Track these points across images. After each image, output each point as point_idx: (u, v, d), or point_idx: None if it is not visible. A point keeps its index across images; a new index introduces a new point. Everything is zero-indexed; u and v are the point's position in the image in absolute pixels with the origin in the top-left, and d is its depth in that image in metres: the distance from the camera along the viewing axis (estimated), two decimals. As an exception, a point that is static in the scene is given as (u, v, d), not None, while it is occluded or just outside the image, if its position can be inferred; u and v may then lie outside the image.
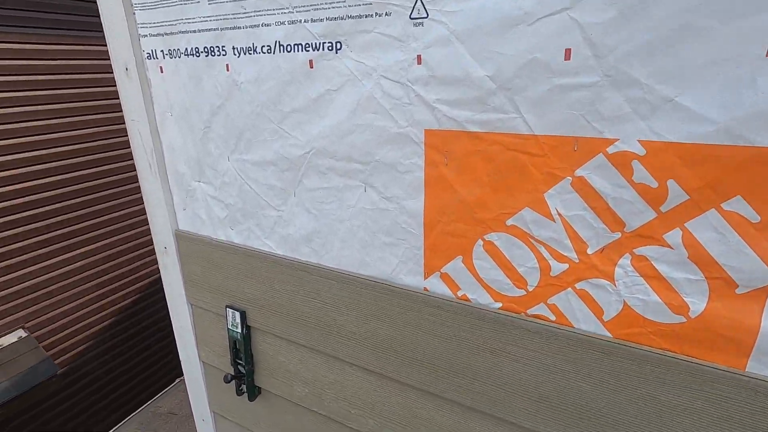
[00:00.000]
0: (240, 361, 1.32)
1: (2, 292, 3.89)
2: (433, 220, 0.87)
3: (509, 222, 0.79)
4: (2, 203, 3.77)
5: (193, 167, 1.21)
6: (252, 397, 1.36)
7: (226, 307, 1.29)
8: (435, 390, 0.99)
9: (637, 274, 0.70)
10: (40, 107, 3.97)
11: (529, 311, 0.83)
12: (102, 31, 1.19)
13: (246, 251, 1.19)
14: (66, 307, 4.38)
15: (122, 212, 4.76)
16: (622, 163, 0.66)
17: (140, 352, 5.19)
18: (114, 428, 3.22)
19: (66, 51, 4.07)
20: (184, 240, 1.33)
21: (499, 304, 0.85)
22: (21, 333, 4.07)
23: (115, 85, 1.25)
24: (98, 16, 1.18)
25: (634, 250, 0.70)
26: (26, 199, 3.94)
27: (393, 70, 0.81)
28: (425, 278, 0.93)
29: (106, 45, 1.21)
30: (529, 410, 0.87)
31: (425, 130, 0.82)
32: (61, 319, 4.35)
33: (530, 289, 0.81)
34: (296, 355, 1.22)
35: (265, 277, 1.18)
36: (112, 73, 1.22)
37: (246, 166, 1.10)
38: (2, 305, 3.91)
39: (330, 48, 0.86)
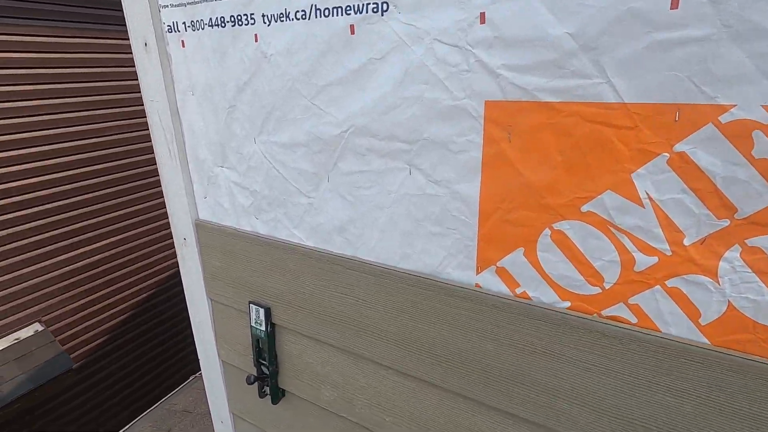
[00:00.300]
0: (263, 362, 1.23)
1: (19, 285, 3.88)
2: (490, 207, 0.76)
3: (585, 208, 0.68)
4: (18, 197, 3.76)
5: (216, 151, 1.12)
6: (275, 399, 1.27)
7: (249, 303, 1.19)
8: (485, 399, 0.88)
9: (749, 270, 0.59)
10: (67, 100, 3.95)
11: (604, 312, 0.71)
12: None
13: (272, 242, 1.10)
14: (82, 301, 4.36)
15: (140, 206, 4.73)
16: (738, 134, 0.55)
17: (156, 346, 5.17)
18: (128, 426, 3.17)
19: (84, 44, 4.04)
20: (204, 230, 1.24)
21: (567, 304, 0.74)
22: (37, 327, 4.06)
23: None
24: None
25: (745, 241, 0.58)
26: (43, 192, 3.92)
27: (449, 32, 0.70)
28: (477, 273, 0.82)
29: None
30: (600, 428, 0.75)
31: (486, 101, 0.71)
32: (77, 313, 4.34)
33: (607, 286, 0.70)
34: (325, 355, 1.13)
35: (293, 270, 1.08)
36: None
37: (274, 149, 1.00)
38: (19, 299, 3.90)
39: (375, 9, 0.76)
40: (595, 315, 0.72)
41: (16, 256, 3.80)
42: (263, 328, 1.18)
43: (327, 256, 1.01)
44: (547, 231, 0.72)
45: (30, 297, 3.96)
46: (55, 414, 4.30)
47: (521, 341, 0.80)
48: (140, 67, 1.14)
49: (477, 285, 0.83)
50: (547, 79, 0.65)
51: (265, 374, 1.24)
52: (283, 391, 1.27)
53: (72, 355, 4.26)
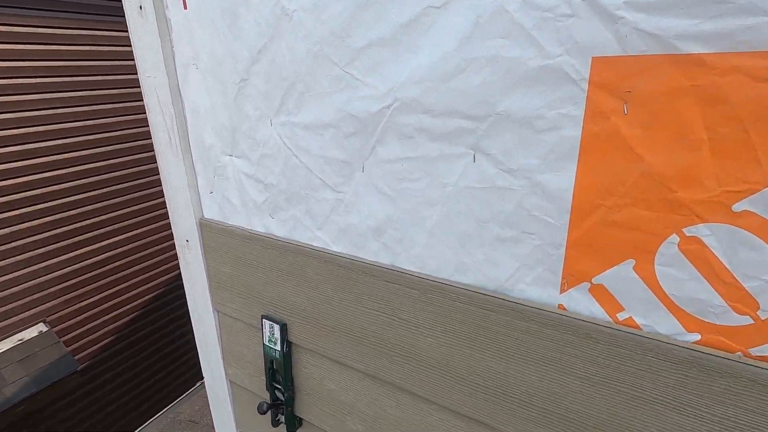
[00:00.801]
0: (278, 386, 1.05)
1: (23, 285, 3.76)
2: (589, 204, 0.57)
3: (739, 206, 0.48)
4: (21, 194, 3.62)
5: (224, 137, 0.94)
6: (291, 429, 1.08)
7: (262, 317, 1.01)
8: (562, 450, 0.68)
9: None
10: (71, 94, 3.81)
11: (753, 351, 0.52)
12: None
13: (290, 246, 0.91)
14: (87, 302, 4.24)
15: (147, 203, 4.60)
16: None
17: (163, 347, 5.04)
18: (132, 434, 3.01)
19: (90, 36, 3.90)
20: (210, 231, 1.06)
21: (697, 336, 0.55)
22: (42, 327, 3.94)
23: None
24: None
25: None
26: (47, 189, 3.79)
27: (545, -39, 0.51)
28: (562, 291, 0.63)
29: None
30: (736, 502, 0.56)
31: (593, 58, 0.51)
32: (83, 313, 4.21)
33: (763, 316, 0.50)
34: (351, 383, 0.94)
35: (315, 280, 0.90)
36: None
37: (295, 132, 0.81)
38: (23, 298, 3.77)
39: (435, -61, 0.57)
40: (738, 354, 0.53)
41: (18, 255, 3.67)
42: (278, 347, 0.99)
43: (358, 264, 0.82)
44: (674, 237, 0.53)
45: (34, 297, 3.84)
46: (60, 417, 4.18)
47: (623, 382, 0.60)
48: (135, 37, 0.96)
49: (561, 306, 0.63)
50: (697, 20, 0.45)
51: (280, 400, 1.05)
52: (300, 419, 1.08)
53: (77, 357, 4.14)
